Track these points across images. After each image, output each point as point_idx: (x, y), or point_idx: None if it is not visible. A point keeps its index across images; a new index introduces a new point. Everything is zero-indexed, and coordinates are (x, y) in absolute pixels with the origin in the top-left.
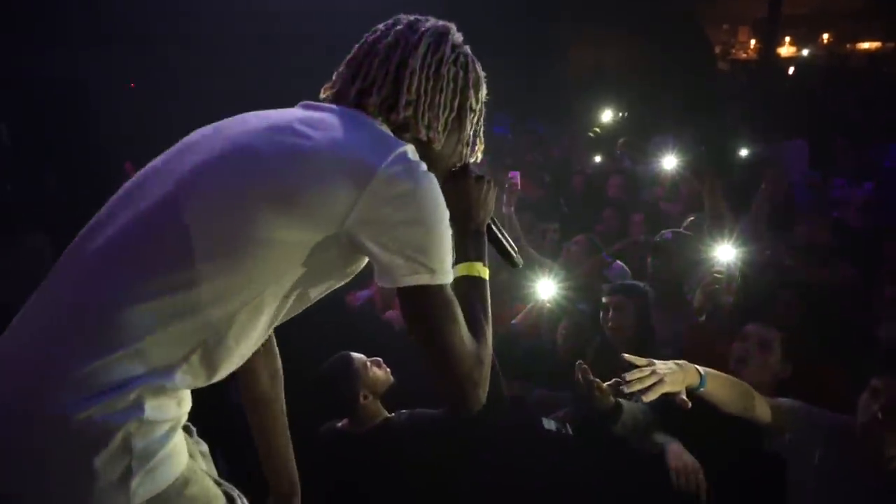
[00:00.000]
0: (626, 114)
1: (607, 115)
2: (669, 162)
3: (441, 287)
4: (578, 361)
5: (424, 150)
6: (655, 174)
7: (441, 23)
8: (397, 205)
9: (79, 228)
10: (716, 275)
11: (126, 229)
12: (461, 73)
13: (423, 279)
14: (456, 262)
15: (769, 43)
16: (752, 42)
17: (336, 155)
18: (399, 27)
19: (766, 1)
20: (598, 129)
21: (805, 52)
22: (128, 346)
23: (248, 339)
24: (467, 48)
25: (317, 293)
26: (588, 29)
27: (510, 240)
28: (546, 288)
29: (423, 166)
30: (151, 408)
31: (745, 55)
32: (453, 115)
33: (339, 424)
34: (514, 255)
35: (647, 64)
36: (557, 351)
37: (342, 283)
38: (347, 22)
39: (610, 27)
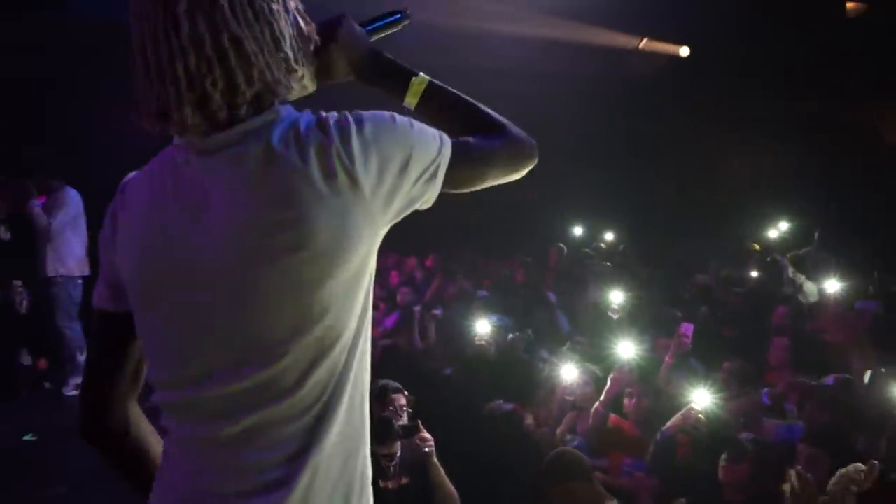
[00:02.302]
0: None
1: (773, 231)
2: (832, 286)
3: (451, 147)
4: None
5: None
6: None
7: None
8: (380, 157)
9: None
10: None
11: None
12: None
13: (445, 157)
14: (404, 96)
15: None
16: None
17: (303, 186)
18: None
19: None
20: (757, 245)
21: None
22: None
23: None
24: None
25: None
26: (744, 136)
27: (388, 20)
28: (701, 398)
29: (332, 115)
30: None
31: None
32: (292, 38)
33: None
34: (399, 18)
35: (811, 174)
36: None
37: None
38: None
39: (768, 134)
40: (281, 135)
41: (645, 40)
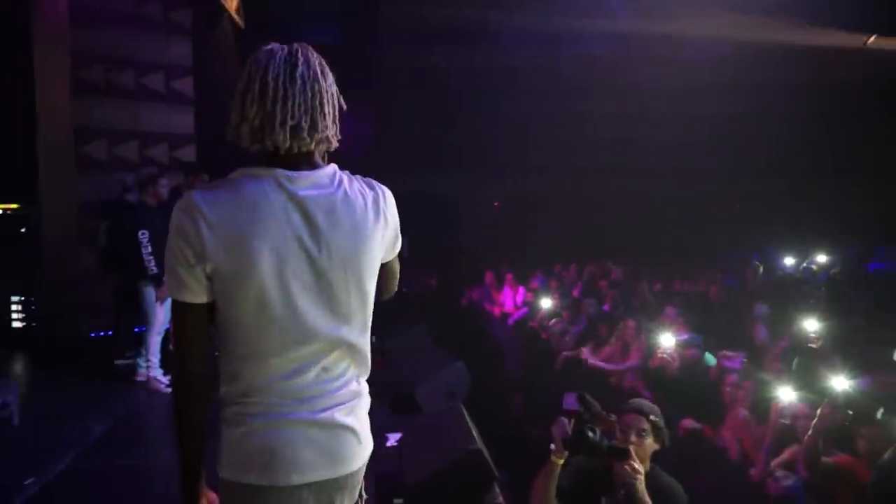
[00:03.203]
0: None
1: None
2: None
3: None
4: None
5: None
6: None
7: (299, 45)
8: (393, 214)
9: (453, 320)
10: None
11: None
12: (331, 75)
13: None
14: None
15: None
16: None
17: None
18: (298, 66)
19: None
20: None
21: None
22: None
23: None
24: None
25: None
26: None
27: None
28: None
29: (370, 179)
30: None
31: None
32: (337, 112)
33: None
34: None
35: None
36: None
37: None
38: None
39: None
40: (350, 185)
41: (873, 37)
